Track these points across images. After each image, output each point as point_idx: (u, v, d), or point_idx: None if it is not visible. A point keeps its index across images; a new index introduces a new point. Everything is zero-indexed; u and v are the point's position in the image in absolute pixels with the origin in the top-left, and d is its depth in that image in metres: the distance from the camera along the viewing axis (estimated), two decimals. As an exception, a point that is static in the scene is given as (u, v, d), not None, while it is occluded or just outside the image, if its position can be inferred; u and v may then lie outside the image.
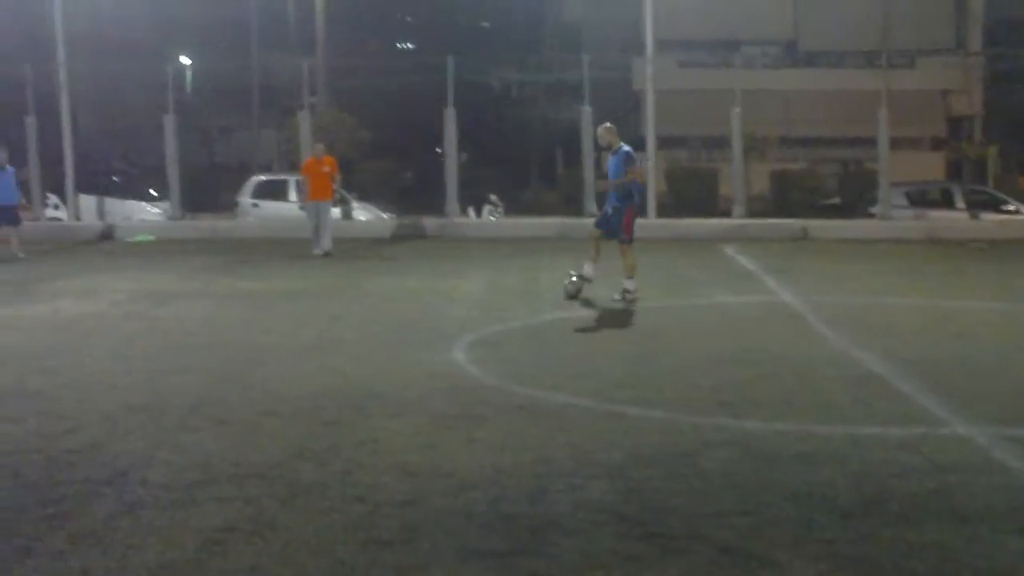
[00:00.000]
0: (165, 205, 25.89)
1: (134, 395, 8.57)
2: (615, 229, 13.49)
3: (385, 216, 25.88)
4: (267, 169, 33.72)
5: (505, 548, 5.39)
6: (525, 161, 40.33)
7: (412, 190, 35.42)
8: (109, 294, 14.17)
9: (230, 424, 7.69)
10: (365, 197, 27.25)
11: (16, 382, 9.19)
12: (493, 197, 29.29)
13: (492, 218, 28.23)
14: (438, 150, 27.85)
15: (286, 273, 16.84)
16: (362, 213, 25.89)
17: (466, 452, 7.01)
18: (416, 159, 38.27)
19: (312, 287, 15.09)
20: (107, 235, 23.52)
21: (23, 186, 21.62)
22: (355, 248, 20.60)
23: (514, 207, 30.54)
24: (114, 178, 30.25)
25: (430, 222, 24.18)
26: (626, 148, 13.52)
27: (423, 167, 36.54)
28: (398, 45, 46.91)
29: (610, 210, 13.58)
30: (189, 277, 16.02)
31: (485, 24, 46.37)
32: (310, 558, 5.27)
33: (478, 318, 12.38)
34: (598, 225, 13.83)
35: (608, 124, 13.80)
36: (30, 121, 24.35)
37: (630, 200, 13.53)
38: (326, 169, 20.11)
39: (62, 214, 26.33)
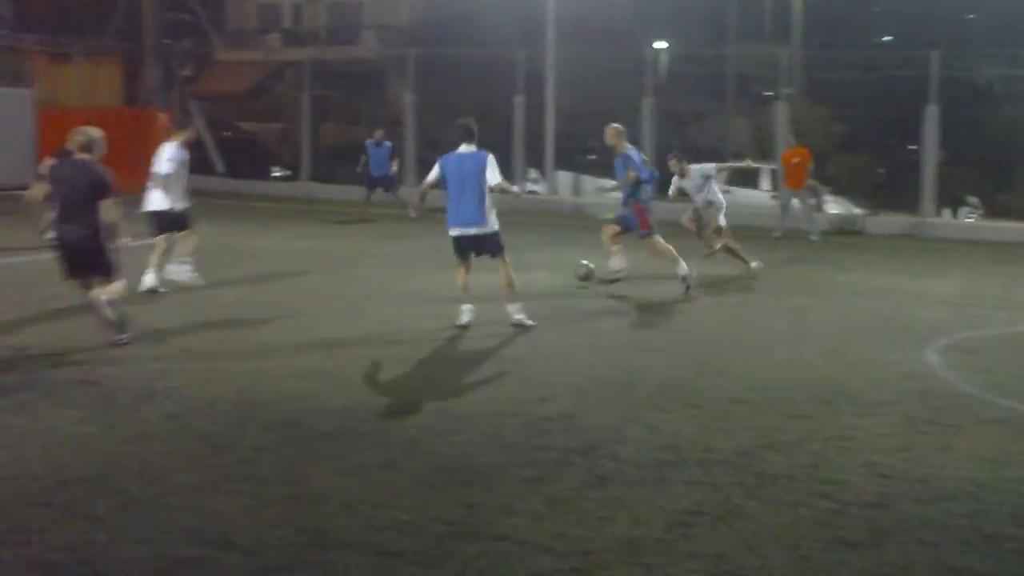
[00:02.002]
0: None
1: (605, 370, 8.80)
2: (632, 226, 13.10)
3: (857, 211, 25.12)
4: (737, 156, 33.70)
5: (987, 570, 5.05)
6: (1008, 163, 37.65)
7: (884, 186, 34.11)
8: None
9: (700, 408, 7.73)
10: (838, 191, 26.63)
11: (497, 346, 9.74)
12: (973, 199, 27.64)
13: (969, 220, 26.64)
14: (912, 147, 26.64)
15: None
16: (835, 206, 25.33)
17: (940, 460, 6.66)
18: (889, 155, 36.77)
19: (779, 279, 14.88)
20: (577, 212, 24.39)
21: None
22: (825, 241, 20.19)
23: (994, 210, 28.69)
24: (590, 156, 31.39)
25: (903, 220, 23.19)
26: (629, 151, 12.96)
27: (896, 164, 35.06)
28: (875, 38, 45.23)
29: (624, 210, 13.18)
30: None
31: (970, 16, 43.64)
32: (774, 551, 5.20)
33: (952, 322, 11.73)
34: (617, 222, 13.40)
35: (616, 125, 13.11)
36: (519, 100, 25.74)
37: (635, 195, 12.88)
38: (796, 160, 20.47)
39: (540, 188, 27.67)
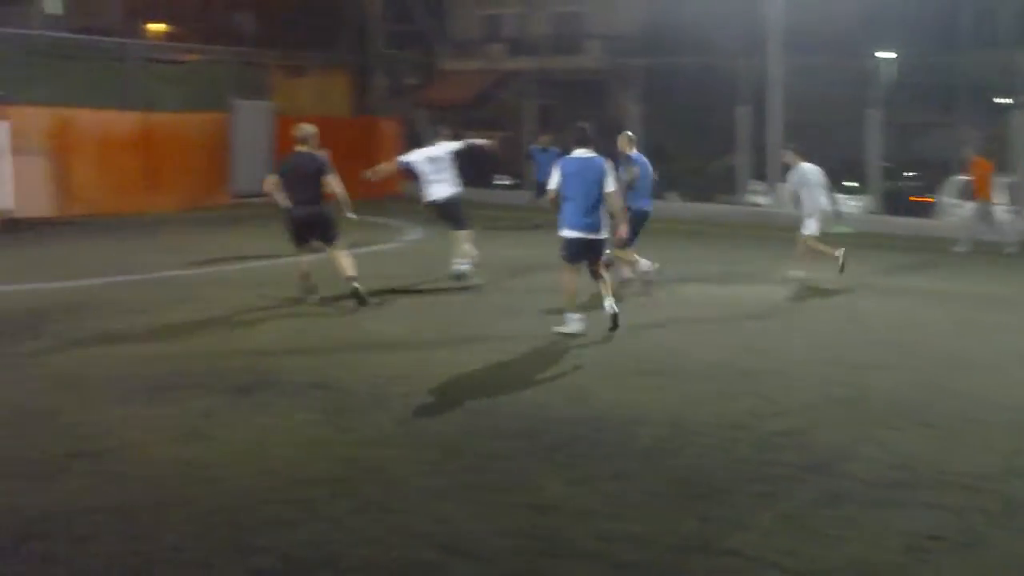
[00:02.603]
0: (861, 199, 25.83)
1: (835, 387, 8.66)
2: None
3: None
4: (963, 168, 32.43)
5: None
6: None
7: None
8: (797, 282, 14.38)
9: (934, 428, 7.53)
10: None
11: (730, 358, 9.69)
12: None
13: None
14: None
15: (982, 276, 16.09)
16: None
17: None
18: None
19: (1009, 292, 14.31)
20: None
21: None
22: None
23: None
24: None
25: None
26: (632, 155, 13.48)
27: None
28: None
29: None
30: (885, 273, 15.82)
31: None
32: (1023, 582, 5.03)
33: None
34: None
35: (628, 133, 14.01)
36: (742, 111, 25.49)
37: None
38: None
39: (765, 200, 27.29)
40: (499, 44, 39.09)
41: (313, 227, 12.12)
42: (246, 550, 5.26)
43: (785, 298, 13.27)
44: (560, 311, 10.71)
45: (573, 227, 10.43)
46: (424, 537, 5.44)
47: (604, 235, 10.61)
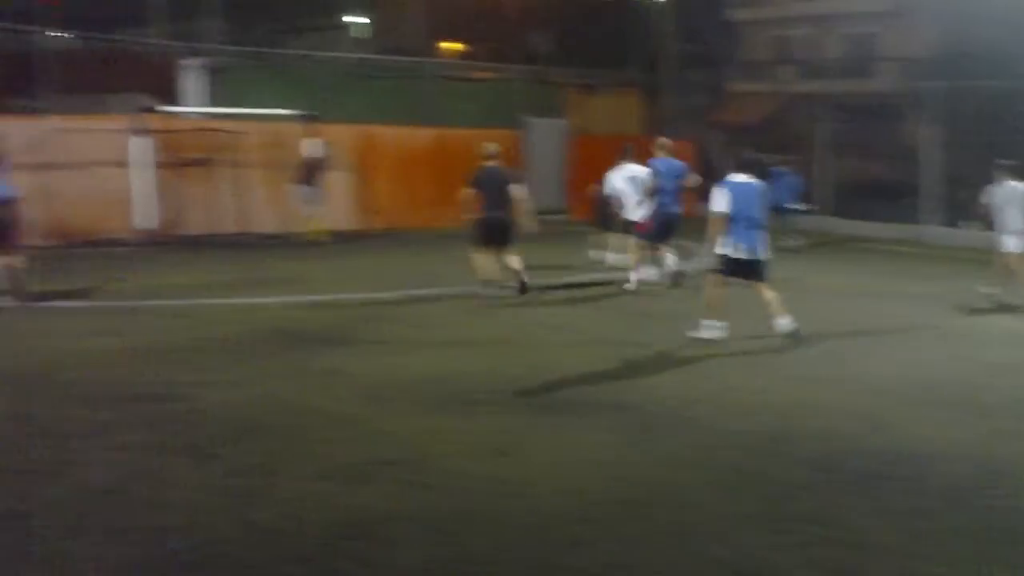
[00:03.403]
0: None
1: None
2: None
3: None
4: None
5: None
6: None
7: None
8: None
9: None
10: None
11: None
12: None
13: None
14: None
15: None
16: None
17: None
18: None
19: None
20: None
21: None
22: None
23: None
24: None
25: None
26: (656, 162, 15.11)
27: None
28: None
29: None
30: None
31: None
32: None
33: None
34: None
35: (663, 139, 15.72)
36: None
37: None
38: None
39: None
40: (790, 66, 38.49)
41: (498, 232, 13.78)
42: (547, 567, 5.36)
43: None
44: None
45: (740, 246, 11.17)
46: (723, 565, 5.40)
47: (765, 255, 11.33)
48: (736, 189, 11.21)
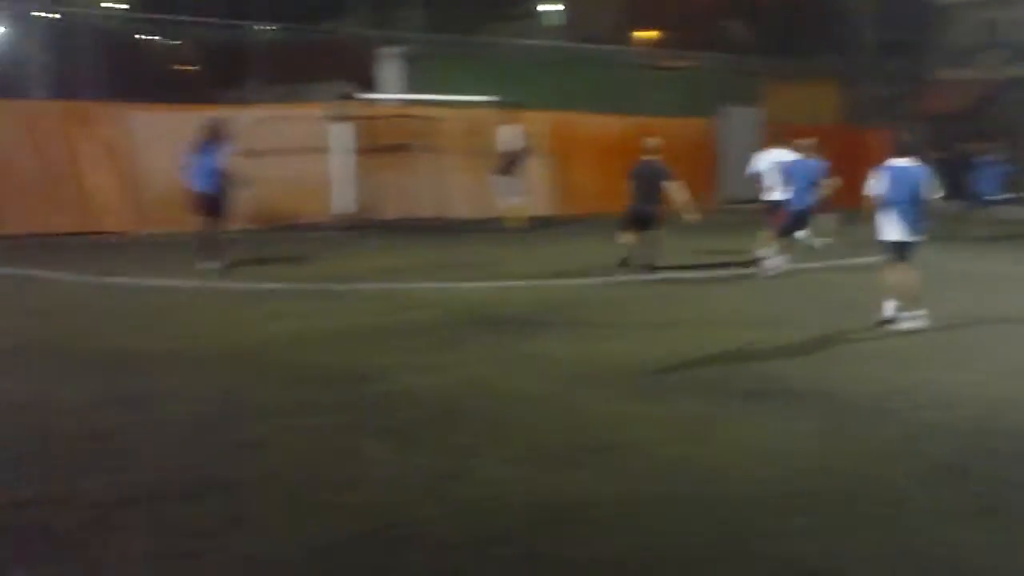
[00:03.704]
0: None
1: None
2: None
3: None
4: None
5: None
6: None
7: None
8: None
9: None
10: None
11: None
12: None
13: None
14: None
15: None
16: None
17: None
18: None
19: None
20: None
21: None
22: None
23: None
24: None
25: None
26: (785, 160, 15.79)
27: None
28: None
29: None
30: None
31: None
32: None
33: None
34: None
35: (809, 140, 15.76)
36: None
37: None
38: None
39: None
40: (997, 51, 36.95)
41: (644, 219, 15.07)
42: (748, 554, 5.30)
43: None
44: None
45: (897, 230, 11.28)
46: (939, 563, 5.23)
47: (920, 238, 11.39)
48: (894, 173, 11.32)
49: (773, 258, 15.37)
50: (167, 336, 10.34)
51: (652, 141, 15.34)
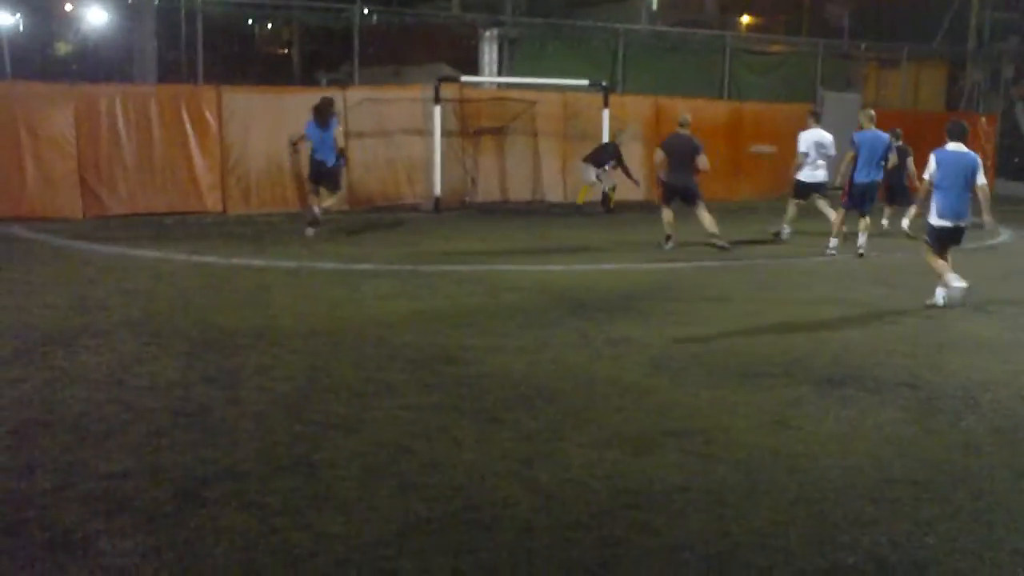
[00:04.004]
0: None
1: None
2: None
3: None
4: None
5: None
6: None
7: None
8: None
9: None
10: None
11: None
12: None
13: None
14: None
15: None
16: None
17: None
18: None
19: None
20: None
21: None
22: None
23: None
24: None
25: None
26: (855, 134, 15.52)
27: None
28: None
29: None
30: None
31: None
32: None
33: None
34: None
35: (868, 110, 15.94)
36: None
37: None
38: None
39: None
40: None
41: (681, 192, 15.50)
42: (829, 544, 5.26)
43: None
44: None
45: (946, 216, 11.45)
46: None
47: (968, 223, 11.58)
48: (945, 158, 11.42)
49: (832, 239, 15.60)
50: (259, 315, 10.48)
51: (686, 116, 15.92)
